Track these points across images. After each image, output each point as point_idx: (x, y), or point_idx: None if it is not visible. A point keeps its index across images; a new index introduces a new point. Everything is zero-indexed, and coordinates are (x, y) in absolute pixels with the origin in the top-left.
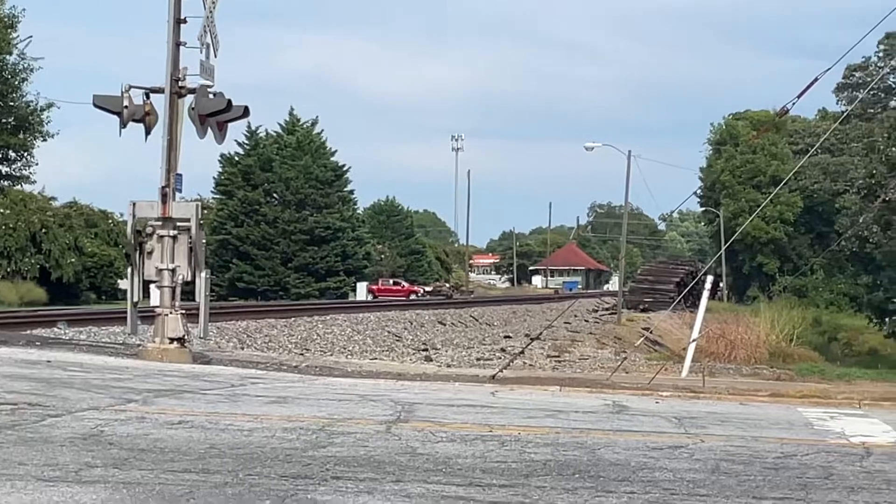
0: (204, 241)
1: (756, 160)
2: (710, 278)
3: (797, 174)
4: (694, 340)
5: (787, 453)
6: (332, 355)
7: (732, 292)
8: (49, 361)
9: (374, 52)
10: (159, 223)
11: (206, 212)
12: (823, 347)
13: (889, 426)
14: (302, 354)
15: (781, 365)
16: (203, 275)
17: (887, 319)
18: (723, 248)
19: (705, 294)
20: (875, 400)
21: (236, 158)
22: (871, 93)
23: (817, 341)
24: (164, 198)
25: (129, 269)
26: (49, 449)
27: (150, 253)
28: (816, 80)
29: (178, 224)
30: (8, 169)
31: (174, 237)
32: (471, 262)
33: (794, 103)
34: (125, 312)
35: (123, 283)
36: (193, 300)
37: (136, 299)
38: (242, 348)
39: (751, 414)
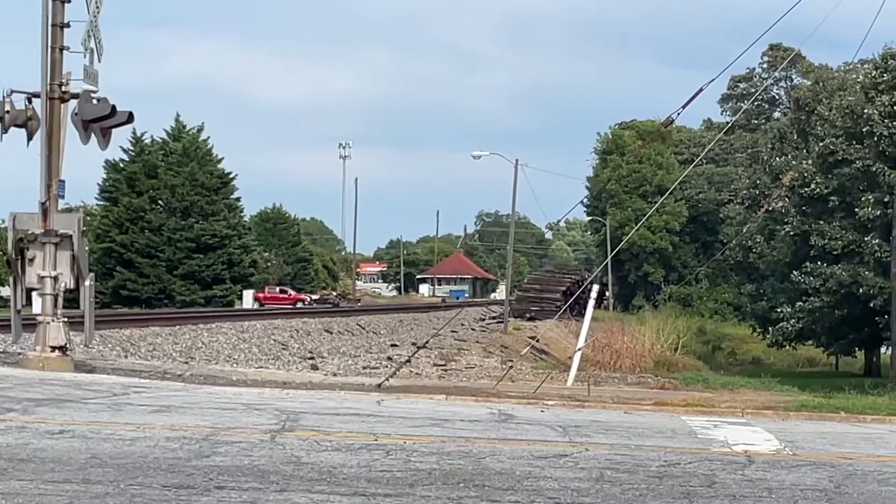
0: (87, 248)
1: (642, 169)
2: (595, 287)
3: (682, 184)
4: (579, 349)
5: (670, 462)
6: (217, 364)
7: (619, 301)
8: None
9: (262, 58)
10: (41, 231)
11: (89, 218)
12: (708, 356)
13: (771, 434)
14: (186, 363)
15: (666, 374)
16: (88, 282)
17: (771, 329)
18: (608, 257)
19: (591, 303)
20: (758, 409)
21: (121, 165)
22: (755, 104)
23: (702, 350)
24: (45, 212)
25: (11, 277)
26: None
27: (32, 260)
28: (701, 90)
29: (61, 232)
30: None
31: (56, 244)
32: (358, 270)
33: (679, 113)
34: (4, 320)
35: (5, 291)
36: (77, 308)
37: (18, 307)
38: (126, 357)
39: (635, 423)
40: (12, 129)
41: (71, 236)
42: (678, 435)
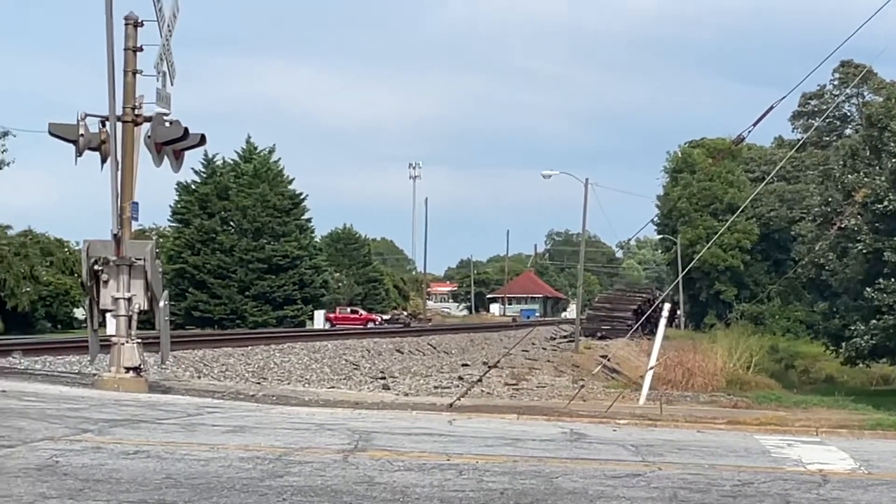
0: (161, 270)
1: (713, 187)
2: (667, 306)
3: (754, 201)
4: (651, 368)
5: (744, 481)
6: (289, 384)
7: (690, 320)
8: (4, 391)
9: (332, 79)
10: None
11: (161, 240)
12: (780, 375)
13: (846, 453)
14: (259, 383)
15: (738, 392)
16: (162, 302)
17: (844, 345)
18: (680, 276)
19: (662, 321)
20: (832, 427)
21: (193, 186)
22: (827, 121)
23: (774, 368)
24: (118, 242)
25: (87, 299)
26: (3, 480)
27: (106, 282)
28: (772, 107)
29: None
30: None
31: (130, 265)
32: (428, 289)
33: (749, 131)
34: (80, 342)
35: (79, 313)
36: (151, 329)
37: (94, 327)
38: (199, 377)
39: (708, 442)
40: (87, 151)
41: (144, 257)
42: (752, 454)
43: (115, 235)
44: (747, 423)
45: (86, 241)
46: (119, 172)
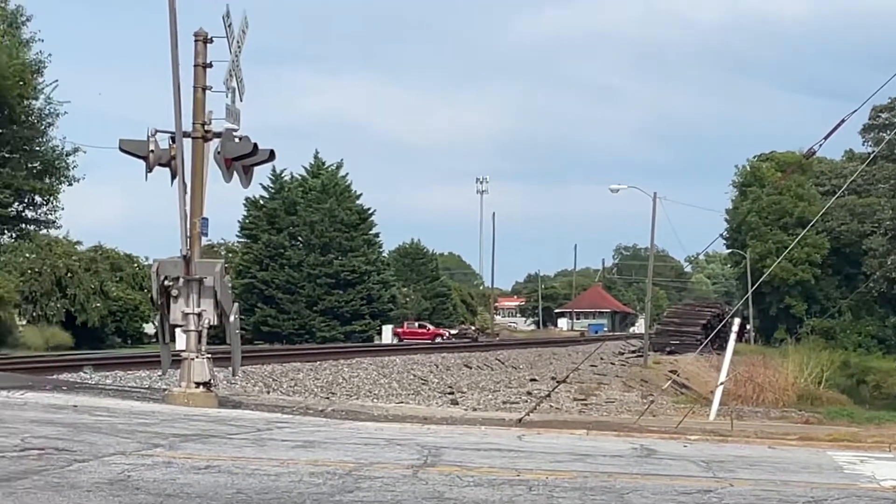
0: (230, 285)
1: (782, 201)
2: (737, 320)
3: (824, 215)
4: (721, 383)
5: (817, 498)
6: (357, 399)
7: (760, 335)
8: (75, 406)
9: (398, 94)
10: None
11: (230, 255)
12: (852, 390)
13: None
14: (328, 398)
15: (810, 408)
16: (232, 316)
17: None
18: (750, 290)
19: (732, 336)
20: None
21: (261, 202)
22: None
23: (846, 384)
24: (187, 262)
25: (158, 314)
26: (76, 494)
27: (176, 298)
28: (843, 121)
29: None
30: (34, 213)
31: (200, 281)
32: (496, 304)
33: (820, 144)
34: (150, 356)
35: (149, 328)
36: (222, 343)
37: (166, 340)
38: (268, 392)
39: (780, 458)
40: (157, 167)
41: (214, 276)
42: (824, 470)
43: (184, 256)
44: (819, 439)
45: (156, 260)
46: (188, 192)
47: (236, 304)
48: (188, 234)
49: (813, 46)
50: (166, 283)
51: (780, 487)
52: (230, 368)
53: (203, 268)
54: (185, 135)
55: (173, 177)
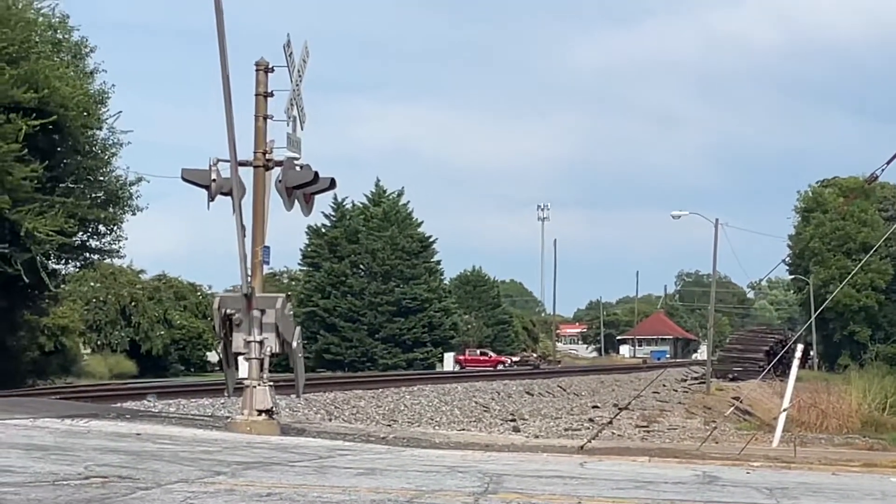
0: (291, 312)
1: (846, 227)
2: (800, 346)
3: (888, 240)
4: (785, 410)
5: None
6: (419, 426)
7: (823, 361)
8: (139, 434)
9: (458, 122)
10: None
11: (293, 283)
12: None
13: None
14: (389, 426)
15: (874, 434)
16: (295, 342)
17: None
18: (813, 316)
19: (795, 362)
20: None
21: (323, 230)
22: None
23: None
24: (249, 300)
25: (222, 344)
26: None
27: (239, 325)
28: None
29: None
30: (98, 243)
31: (262, 310)
32: (558, 331)
33: (882, 169)
34: (213, 384)
35: (212, 356)
36: (283, 371)
37: (229, 364)
38: (330, 420)
39: (843, 484)
40: (219, 196)
41: (275, 310)
42: (888, 497)
43: (245, 295)
44: (884, 466)
45: (217, 295)
46: (245, 234)
47: (298, 328)
48: (249, 267)
49: (874, 69)
50: (228, 310)
51: None
52: (293, 394)
53: (264, 302)
54: (247, 164)
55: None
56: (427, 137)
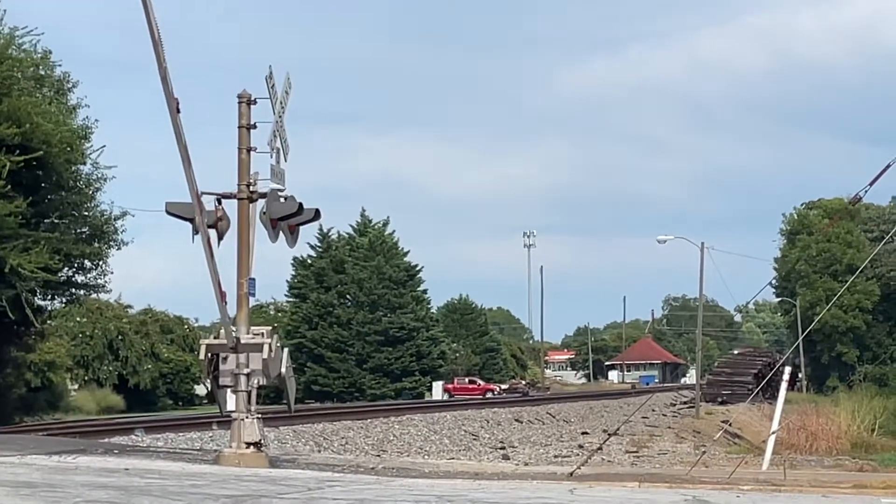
0: (279, 345)
1: (831, 249)
2: (788, 369)
3: (873, 262)
4: (774, 432)
5: None
6: (408, 456)
7: (811, 382)
8: (127, 469)
9: (443, 151)
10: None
11: (279, 315)
12: None
13: None
14: (378, 456)
15: (864, 455)
16: (284, 369)
17: None
18: (800, 338)
19: (784, 385)
20: None
21: (309, 261)
22: None
23: None
24: (235, 348)
25: (210, 379)
26: None
27: (226, 359)
28: (889, 166)
29: (254, 330)
30: (83, 278)
31: (249, 345)
32: (546, 358)
33: (866, 190)
34: (201, 418)
35: (200, 389)
36: (271, 404)
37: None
38: (319, 451)
39: None
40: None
41: (262, 334)
42: None
43: (232, 347)
44: (874, 487)
45: (204, 343)
46: (233, 257)
47: (286, 351)
48: (231, 313)
49: (858, 91)
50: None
51: None
52: (282, 426)
53: (251, 348)
54: (231, 196)
55: (220, 238)
56: (412, 167)
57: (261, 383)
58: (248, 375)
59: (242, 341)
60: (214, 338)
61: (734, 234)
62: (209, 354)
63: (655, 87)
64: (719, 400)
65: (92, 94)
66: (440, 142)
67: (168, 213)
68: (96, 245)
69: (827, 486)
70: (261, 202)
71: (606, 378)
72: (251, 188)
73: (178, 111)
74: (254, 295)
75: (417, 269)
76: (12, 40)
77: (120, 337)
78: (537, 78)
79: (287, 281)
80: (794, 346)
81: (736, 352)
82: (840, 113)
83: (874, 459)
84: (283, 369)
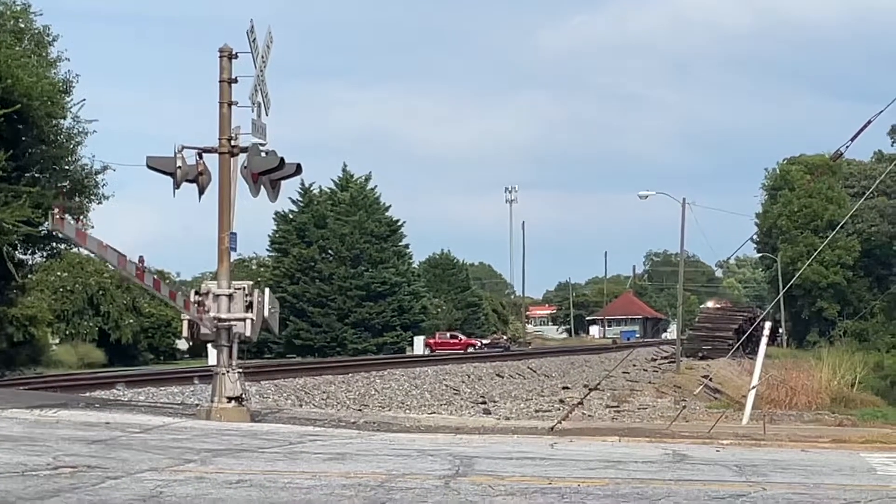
0: (260, 299)
1: (812, 204)
2: (768, 324)
3: (854, 217)
4: (754, 387)
5: (850, 500)
6: (389, 410)
7: (792, 338)
8: (108, 423)
9: (427, 106)
10: (214, 284)
11: (262, 269)
12: (886, 391)
13: None
14: (360, 410)
15: (843, 410)
16: (268, 311)
17: None
18: (781, 294)
19: (764, 340)
20: None
21: (290, 216)
22: None
23: (880, 386)
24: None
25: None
26: None
27: (208, 311)
28: (870, 122)
29: (235, 285)
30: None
31: (230, 296)
32: (527, 313)
33: (847, 146)
34: (182, 373)
35: (181, 344)
36: (252, 359)
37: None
38: (300, 405)
39: (813, 461)
40: (184, 184)
41: (243, 288)
42: (857, 472)
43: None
44: (852, 442)
45: (185, 317)
46: (214, 212)
47: (267, 291)
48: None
49: (840, 49)
50: (197, 297)
51: (813, 490)
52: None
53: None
54: (212, 150)
55: (201, 192)
56: (395, 122)
57: (244, 335)
58: (229, 329)
59: (221, 294)
60: (196, 293)
61: (716, 189)
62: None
63: (638, 44)
64: (700, 355)
65: (73, 48)
66: (423, 97)
67: (149, 167)
68: (77, 199)
69: (806, 441)
70: (242, 157)
71: (588, 333)
72: (232, 143)
73: None
74: (235, 249)
75: (399, 224)
76: None
77: (101, 291)
78: (520, 33)
79: (268, 236)
80: (774, 301)
81: (710, 304)
82: (824, 70)
83: (853, 414)
84: (267, 313)
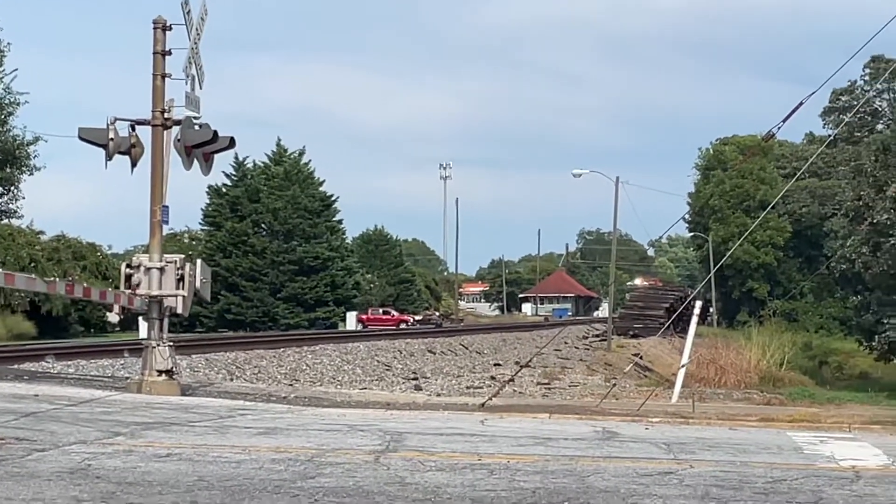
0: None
1: (744, 184)
2: (699, 303)
3: (785, 198)
4: (683, 366)
5: (776, 478)
6: (321, 385)
7: (723, 317)
8: (37, 395)
9: (361, 81)
10: (146, 257)
11: (194, 243)
12: (814, 371)
13: (879, 450)
14: (291, 385)
15: (772, 389)
16: (199, 282)
17: (876, 339)
18: (712, 273)
19: (694, 319)
20: (865, 423)
21: (224, 189)
22: (858, 116)
23: (808, 365)
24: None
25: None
26: (36, 484)
27: (138, 285)
28: (802, 103)
29: (167, 258)
30: None
31: (161, 269)
32: (460, 290)
33: (779, 127)
34: (113, 345)
35: (112, 317)
36: (185, 333)
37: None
38: (231, 380)
39: (740, 439)
40: (117, 156)
41: (175, 262)
42: (784, 451)
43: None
44: (780, 420)
45: (116, 292)
46: (146, 186)
47: (199, 262)
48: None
49: (772, 31)
50: (128, 270)
51: (740, 468)
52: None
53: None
54: (145, 122)
55: (133, 165)
56: (329, 96)
57: (175, 310)
58: (159, 303)
59: (153, 267)
60: (128, 266)
61: (651, 169)
62: (124, 265)
63: (575, 22)
64: (631, 333)
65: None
66: (357, 71)
67: (80, 138)
68: (8, 170)
69: (735, 419)
70: (175, 129)
71: (520, 310)
72: (166, 115)
73: None
74: (167, 223)
75: (333, 199)
76: None
77: (32, 263)
78: (456, 9)
79: (201, 209)
80: (705, 280)
81: (637, 281)
82: (756, 51)
83: (782, 393)
84: (199, 284)
